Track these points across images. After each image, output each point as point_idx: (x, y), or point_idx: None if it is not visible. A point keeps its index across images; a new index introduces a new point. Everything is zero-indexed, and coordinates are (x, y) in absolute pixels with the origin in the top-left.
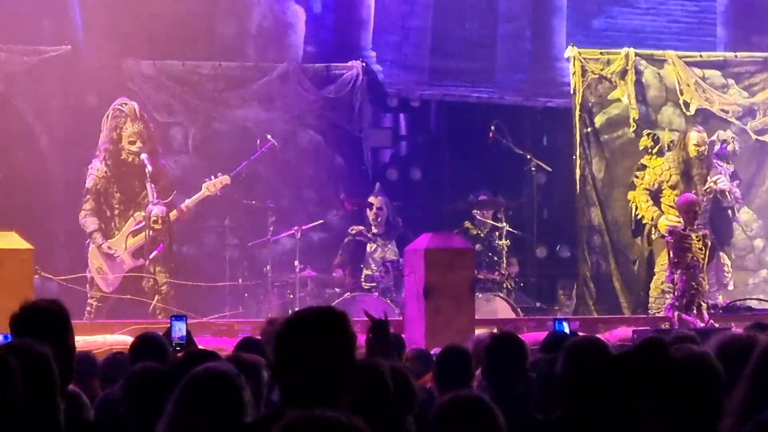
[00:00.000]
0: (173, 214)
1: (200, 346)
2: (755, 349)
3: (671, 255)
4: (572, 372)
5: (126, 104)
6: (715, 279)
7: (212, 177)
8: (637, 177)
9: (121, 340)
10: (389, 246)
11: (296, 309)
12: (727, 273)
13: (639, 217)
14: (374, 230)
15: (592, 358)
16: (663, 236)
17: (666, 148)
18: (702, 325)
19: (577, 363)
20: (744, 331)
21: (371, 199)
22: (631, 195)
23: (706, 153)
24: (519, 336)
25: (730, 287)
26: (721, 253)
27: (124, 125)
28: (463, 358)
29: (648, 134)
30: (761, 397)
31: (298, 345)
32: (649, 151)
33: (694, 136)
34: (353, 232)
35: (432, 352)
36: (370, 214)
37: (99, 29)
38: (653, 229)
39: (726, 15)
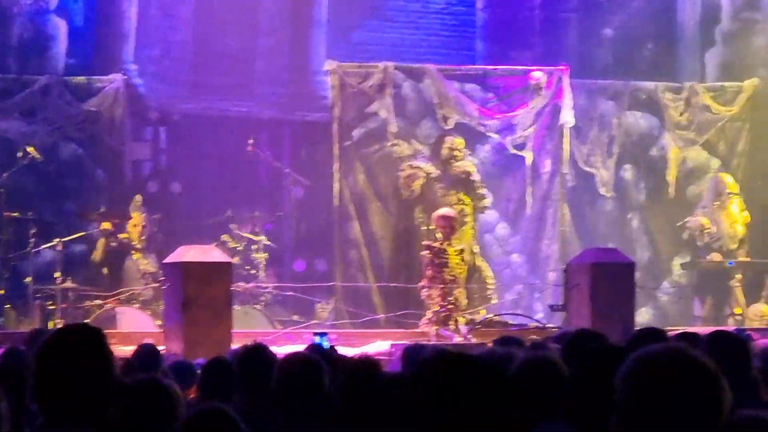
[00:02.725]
0: None
1: None
2: (514, 364)
3: (429, 270)
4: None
5: None
6: (479, 293)
7: None
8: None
9: None
10: (149, 258)
11: (57, 322)
12: (490, 287)
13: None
14: (135, 244)
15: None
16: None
17: (421, 153)
18: (459, 339)
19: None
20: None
21: (132, 213)
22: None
23: (459, 156)
24: (269, 348)
25: (493, 301)
26: (484, 268)
27: None
28: (226, 370)
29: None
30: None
31: (55, 365)
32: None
33: (449, 140)
34: (114, 244)
35: (195, 363)
36: (132, 228)
37: None
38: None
39: (485, 29)
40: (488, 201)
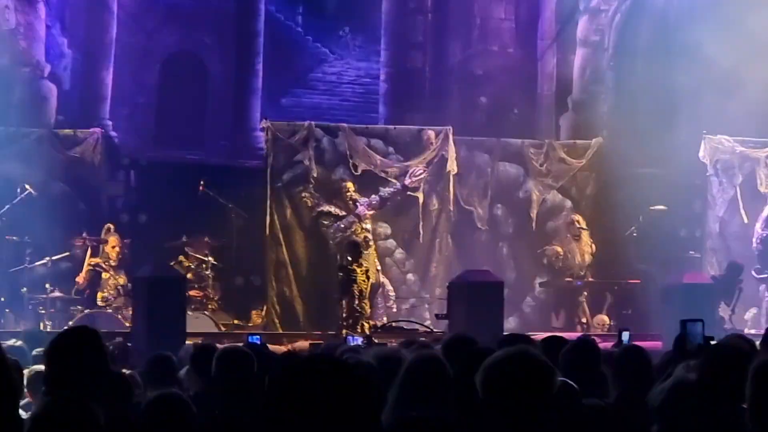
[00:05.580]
0: None
1: None
2: (403, 361)
3: (341, 285)
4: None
5: None
6: (382, 304)
7: None
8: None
9: None
10: (121, 274)
11: (46, 324)
12: (391, 298)
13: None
14: (111, 263)
15: None
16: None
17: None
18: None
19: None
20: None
21: (109, 238)
22: None
23: (356, 198)
24: (215, 345)
25: (393, 311)
26: (386, 283)
27: None
28: (168, 362)
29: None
30: (407, 402)
31: (67, 360)
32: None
33: (345, 186)
34: (93, 263)
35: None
36: (110, 249)
37: None
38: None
39: (386, 96)
40: (388, 231)
